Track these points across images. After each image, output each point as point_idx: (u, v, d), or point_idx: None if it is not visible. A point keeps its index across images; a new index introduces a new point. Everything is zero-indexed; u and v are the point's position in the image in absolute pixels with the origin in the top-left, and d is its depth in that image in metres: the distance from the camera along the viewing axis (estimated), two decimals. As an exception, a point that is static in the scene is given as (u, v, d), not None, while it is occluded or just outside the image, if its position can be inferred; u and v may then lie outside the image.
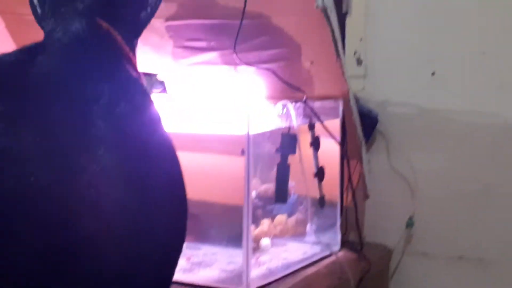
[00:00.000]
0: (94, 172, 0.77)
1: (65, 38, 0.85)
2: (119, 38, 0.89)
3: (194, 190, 1.46)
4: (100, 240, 0.77)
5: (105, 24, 0.88)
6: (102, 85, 0.82)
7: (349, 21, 1.78)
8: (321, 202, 1.56)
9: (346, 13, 1.77)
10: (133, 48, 0.94)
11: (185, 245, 1.44)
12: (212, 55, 1.55)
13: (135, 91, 0.86)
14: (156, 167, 0.84)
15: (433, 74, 1.72)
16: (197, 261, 1.43)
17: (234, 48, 1.44)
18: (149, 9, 0.95)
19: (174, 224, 0.86)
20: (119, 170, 0.79)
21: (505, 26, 1.66)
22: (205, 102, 1.52)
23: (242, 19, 1.42)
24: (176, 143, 0.96)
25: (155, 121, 0.87)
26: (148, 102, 0.87)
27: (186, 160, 1.37)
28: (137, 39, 0.96)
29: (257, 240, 1.46)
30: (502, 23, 1.66)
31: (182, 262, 1.39)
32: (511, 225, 1.67)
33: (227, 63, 1.55)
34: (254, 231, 1.43)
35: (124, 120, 0.82)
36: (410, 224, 1.74)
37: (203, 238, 1.47)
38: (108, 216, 0.78)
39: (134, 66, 0.90)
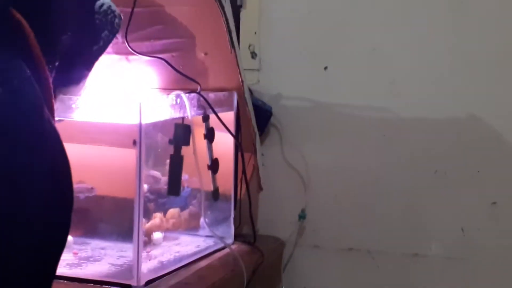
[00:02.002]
0: None
1: None
2: (28, 30, 0.83)
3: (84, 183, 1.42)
4: None
5: (17, 15, 0.82)
6: None
7: (243, 14, 1.78)
8: (215, 195, 1.55)
9: (240, 6, 1.77)
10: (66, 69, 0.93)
11: (72, 239, 1.40)
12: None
13: (13, 75, 0.79)
14: (34, 158, 0.77)
15: (325, 68, 1.75)
16: (85, 256, 1.38)
17: (126, 36, 1.40)
18: (101, 43, 1.01)
19: (55, 218, 0.81)
20: None
21: (395, 23, 1.71)
22: (96, 92, 1.48)
23: (133, 7, 1.38)
24: (64, 133, 0.91)
25: (35, 109, 0.80)
26: (29, 89, 0.81)
27: (75, 151, 1.32)
28: (86, 69, 1.00)
29: (148, 234, 1.43)
30: (392, 20, 1.71)
31: (68, 257, 1.35)
32: (396, 218, 1.72)
33: (118, 52, 1.50)
34: (145, 224, 1.40)
35: None
36: (302, 216, 1.76)
37: (92, 232, 1.43)
38: None
39: (34, 59, 0.84)
